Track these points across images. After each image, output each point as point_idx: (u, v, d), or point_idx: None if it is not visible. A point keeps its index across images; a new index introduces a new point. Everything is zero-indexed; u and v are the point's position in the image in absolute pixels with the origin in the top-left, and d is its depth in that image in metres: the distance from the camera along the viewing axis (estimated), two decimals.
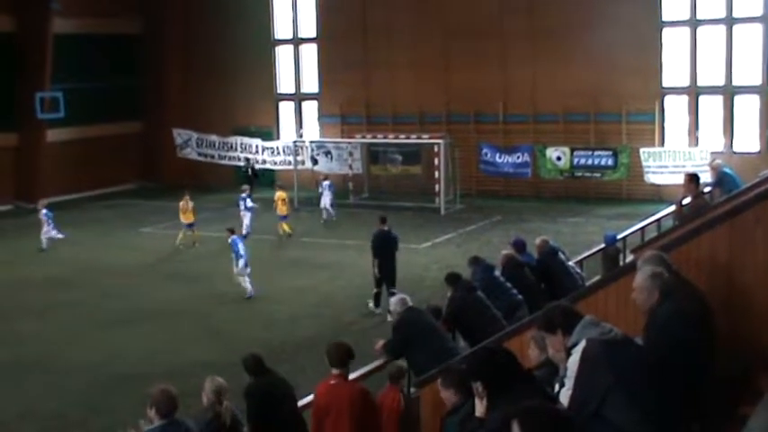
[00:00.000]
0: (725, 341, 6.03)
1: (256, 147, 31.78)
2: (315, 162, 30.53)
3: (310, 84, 33.16)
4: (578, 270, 13.83)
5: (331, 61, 31.95)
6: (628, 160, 26.98)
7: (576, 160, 27.71)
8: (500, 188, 29.43)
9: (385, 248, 16.84)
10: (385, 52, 30.54)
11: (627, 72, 26.96)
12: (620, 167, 27.13)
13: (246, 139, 32.18)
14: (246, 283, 18.20)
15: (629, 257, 13.90)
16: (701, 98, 27.15)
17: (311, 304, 17.74)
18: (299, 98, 33.57)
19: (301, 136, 32.34)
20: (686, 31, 27.01)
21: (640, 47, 27.05)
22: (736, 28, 26.32)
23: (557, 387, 5.09)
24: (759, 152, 25.92)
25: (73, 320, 17.23)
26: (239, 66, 33.12)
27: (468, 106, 29.61)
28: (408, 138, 29.43)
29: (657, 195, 26.02)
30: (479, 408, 4.95)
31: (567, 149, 27.80)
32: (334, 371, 7.94)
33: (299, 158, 30.22)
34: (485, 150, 29.03)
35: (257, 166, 30.77)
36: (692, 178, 12.84)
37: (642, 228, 17.50)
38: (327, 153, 30.64)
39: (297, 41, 33.23)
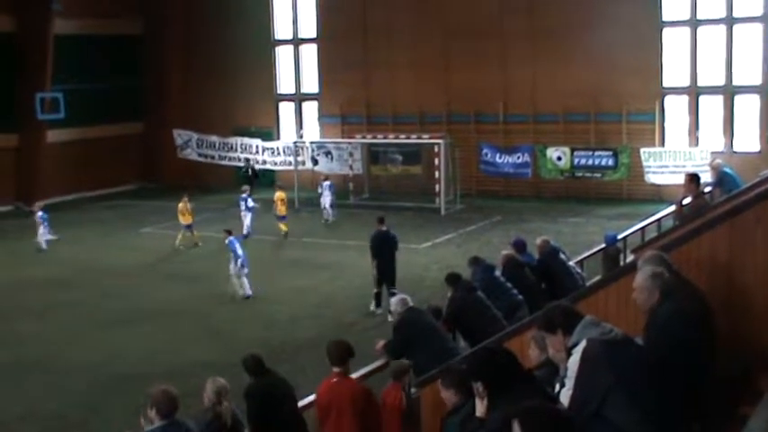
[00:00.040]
0: (725, 341, 6.03)
1: (257, 147, 31.78)
2: (315, 162, 30.54)
3: (310, 84, 33.17)
4: (579, 270, 13.84)
5: (331, 61, 31.96)
6: (628, 160, 26.98)
7: (576, 160, 27.70)
8: (500, 188, 29.43)
9: (384, 249, 16.83)
10: (385, 52, 30.54)
11: (627, 72, 26.95)
12: (621, 167, 27.13)
13: (247, 140, 32.19)
14: (245, 284, 18.19)
15: (630, 257, 13.90)
16: (702, 98, 27.15)
17: (312, 304, 17.73)
18: (299, 98, 33.58)
19: (302, 136, 32.34)
20: (686, 30, 27.00)
21: (640, 47, 27.05)
22: (736, 28, 26.31)
23: (557, 387, 5.08)
24: (759, 152, 25.90)
25: (73, 321, 17.23)
26: (239, 66, 33.13)
27: (468, 106, 29.61)
28: (408, 138, 29.43)
29: (658, 195, 26.01)
30: (480, 408, 4.94)
31: (567, 149, 27.80)
32: (335, 369, 7.96)
33: (299, 159, 30.23)
34: (485, 150, 29.03)
35: (257, 167, 30.77)
36: (693, 178, 12.83)
37: (642, 228, 17.52)
38: (328, 153, 30.64)
39: (297, 42, 33.24)
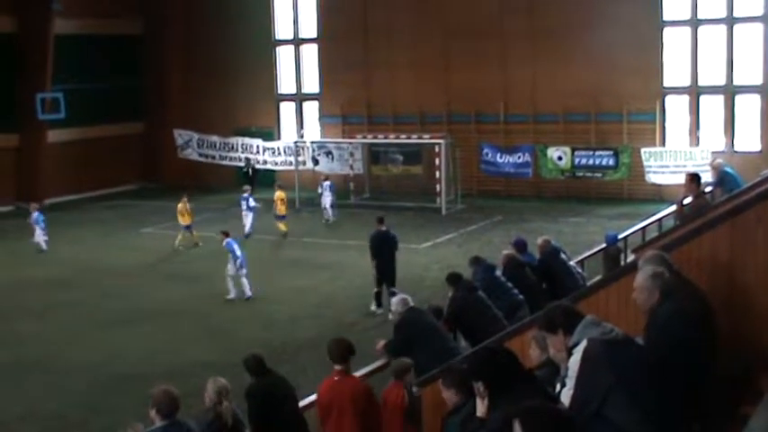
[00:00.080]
0: (726, 341, 6.02)
1: (257, 147, 31.77)
2: (316, 162, 30.54)
3: (311, 84, 33.16)
4: (579, 270, 13.84)
5: (332, 61, 31.96)
6: (629, 160, 26.97)
7: (577, 160, 27.69)
8: (501, 188, 29.42)
9: (383, 249, 16.83)
10: (385, 52, 30.54)
11: (627, 72, 26.94)
12: (622, 167, 27.12)
13: (247, 140, 32.18)
14: (245, 285, 18.16)
15: (631, 257, 13.89)
16: (702, 98, 27.14)
17: (312, 304, 17.72)
18: (299, 98, 33.57)
19: (302, 136, 32.34)
20: (687, 30, 26.99)
21: (641, 47, 27.04)
22: (736, 27, 26.30)
23: (558, 387, 5.08)
24: (760, 151, 25.90)
25: (73, 321, 17.23)
26: (240, 66, 33.12)
27: (468, 106, 29.60)
28: (409, 138, 29.42)
29: (658, 195, 26.00)
30: (480, 408, 4.94)
31: (567, 149, 27.79)
32: (336, 367, 7.96)
33: (299, 159, 30.23)
34: (485, 150, 29.02)
35: (258, 167, 30.77)
36: (693, 178, 12.83)
37: (643, 227, 17.53)
38: (328, 153, 30.63)
39: (297, 42, 33.23)
